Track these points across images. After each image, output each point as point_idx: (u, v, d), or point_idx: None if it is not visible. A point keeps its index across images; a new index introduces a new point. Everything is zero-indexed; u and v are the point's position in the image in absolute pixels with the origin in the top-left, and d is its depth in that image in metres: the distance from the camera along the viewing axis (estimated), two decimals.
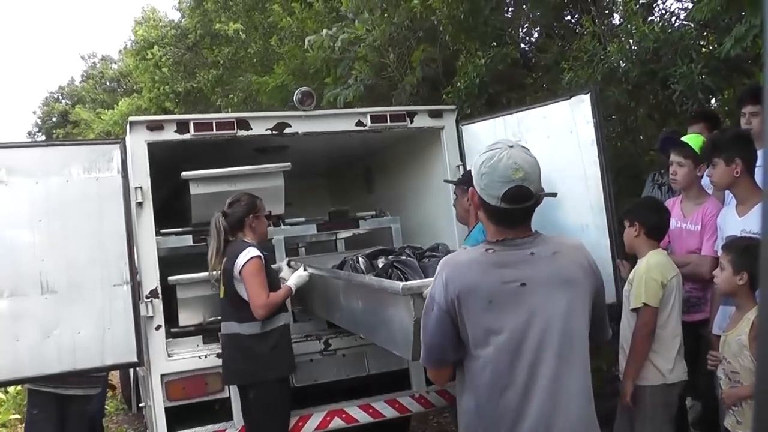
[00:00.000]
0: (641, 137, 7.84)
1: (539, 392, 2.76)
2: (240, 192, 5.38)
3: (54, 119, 40.63)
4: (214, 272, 5.26)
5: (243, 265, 4.99)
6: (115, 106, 27.87)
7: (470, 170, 3.32)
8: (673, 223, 5.23)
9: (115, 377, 10.92)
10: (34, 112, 43.77)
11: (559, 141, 5.60)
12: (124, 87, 33.87)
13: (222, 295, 5.17)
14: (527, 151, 2.93)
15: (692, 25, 6.31)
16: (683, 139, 5.31)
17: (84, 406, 5.95)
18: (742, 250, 4.22)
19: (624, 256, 5.24)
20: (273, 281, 5.21)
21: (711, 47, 6.40)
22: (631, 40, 6.37)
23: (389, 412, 5.75)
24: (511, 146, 2.90)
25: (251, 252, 5.03)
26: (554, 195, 3.28)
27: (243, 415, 5.23)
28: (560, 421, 2.77)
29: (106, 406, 10.10)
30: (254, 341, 5.03)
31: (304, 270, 5.33)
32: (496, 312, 2.80)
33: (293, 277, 5.29)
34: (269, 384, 5.04)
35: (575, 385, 2.83)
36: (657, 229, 4.83)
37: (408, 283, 3.88)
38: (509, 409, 2.78)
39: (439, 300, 2.86)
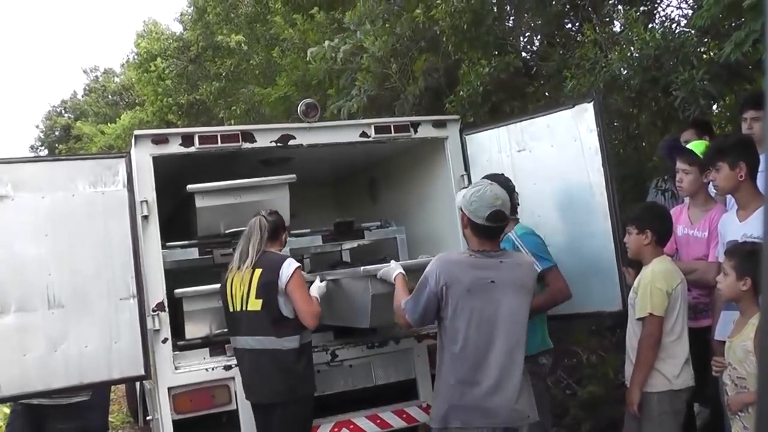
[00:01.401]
0: (644, 144, 7.84)
1: (497, 360, 4.08)
2: (271, 210, 5.28)
3: (56, 133, 40.73)
4: (241, 272, 4.99)
5: (290, 278, 4.85)
6: (117, 119, 27.96)
7: (486, 176, 4.90)
8: (681, 229, 5.23)
9: (120, 390, 10.96)
10: (37, 126, 43.88)
11: (563, 149, 5.63)
12: (127, 100, 33.98)
13: (259, 308, 4.90)
14: (501, 187, 4.31)
15: (693, 31, 6.32)
16: (689, 146, 5.31)
17: (64, 419, 5.88)
18: (745, 255, 4.20)
19: (628, 263, 5.24)
20: None
21: (712, 53, 6.41)
22: (632, 48, 6.38)
23: (397, 422, 5.73)
24: (491, 183, 4.30)
25: (293, 263, 4.92)
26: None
27: (262, 430, 5.13)
28: (508, 382, 4.09)
29: (112, 419, 10.14)
30: (294, 357, 4.88)
31: (321, 281, 5.25)
32: (471, 298, 4.08)
33: (314, 289, 5.12)
34: (302, 399, 4.95)
35: (518, 360, 4.15)
36: (665, 236, 4.82)
37: (365, 267, 5.09)
38: (475, 368, 4.07)
39: (431, 283, 4.11)
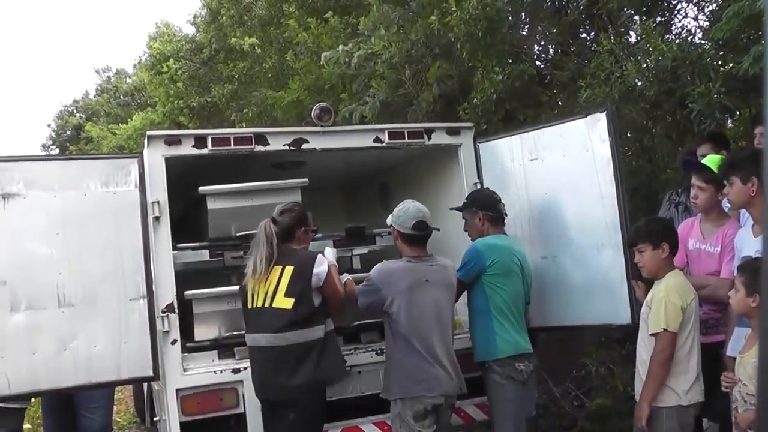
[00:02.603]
0: (657, 156, 7.81)
1: (440, 342, 5.06)
2: (292, 202, 5.30)
3: (68, 133, 40.80)
4: (257, 279, 4.95)
5: (326, 278, 4.98)
6: (128, 120, 27.98)
7: (472, 193, 5.90)
8: (692, 243, 5.19)
9: (127, 390, 10.98)
10: (49, 125, 43.88)
11: (575, 159, 5.61)
12: (138, 101, 34.01)
13: (290, 306, 4.88)
14: (422, 204, 5.25)
15: (710, 44, 6.30)
16: (705, 160, 5.26)
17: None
18: (755, 271, 4.17)
19: (638, 277, 5.21)
20: None
21: (729, 66, 6.38)
22: (648, 59, 6.36)
23: None
24: (414, 201, 5.27)
25: (323, 261, 5.04)
26: (438, 229, 5.38)
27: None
28: (450, 359, 5.10)
29: (119, 419, 10.15)
30: (321, 344, 4.95)
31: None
32: (412, 295, 5.01)
33: (329, 254, 5.39)
34: (323, 392, 5.08)
35: (449, 342, 5.17)
36: (677, 248, 4.80)
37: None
38: (426, 350, 4.99)
39: (378, 287, 5.07)
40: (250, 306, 5.02)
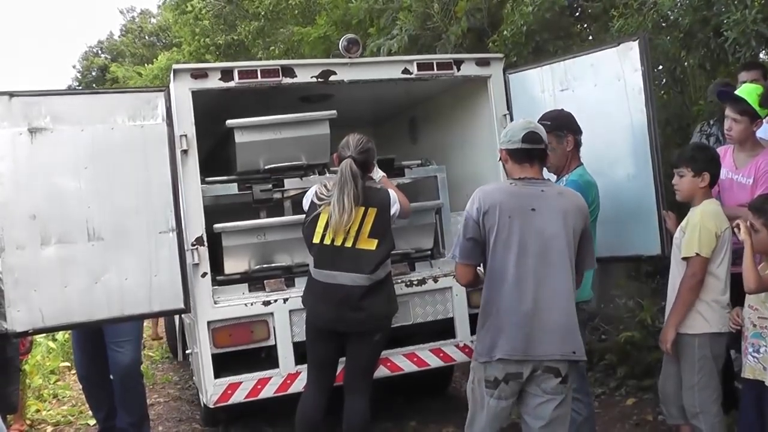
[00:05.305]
0: (689, 88, 7.68)
1: (534, 291, 3.93)
2: (363, 138, 5.15)
3: (93, 73, 40.92)
4: (341, 219, 4.86)
5: (398, 211, 5.11)
6: (154, 60, 27.95)
7: (552, 115, 5.00)
8: (724, 173, 5.09)
9: (159, 327, 11.13)
10: (74, 67, 44.09)
11: (606, 89, 5.54)
12: (164, 41, 33.97)
13: (374, 247, 4.91)
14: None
15: None
16: (739, 92, 5.14)
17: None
18: None
19: (669, 208, 5.15)
20: None
21: None
22: None
23: (433, 361, 5.76)
24: (523, 119, 4.43)
25: (395, 197, 5.12)
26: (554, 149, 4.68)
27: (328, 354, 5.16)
28: (549, 312, 3.94)
29: (151, 354, 10.32)
30: (390, 278, 5.15)
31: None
32: (513, 226, 3.96)
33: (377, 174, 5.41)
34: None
35: (559, 284, 3.98)
36: (717, 179, 4.75)
37: None
38: (519, 298, 3.92)
39: (472, 213, 4.04)
40: (326, 242, 4.94)
